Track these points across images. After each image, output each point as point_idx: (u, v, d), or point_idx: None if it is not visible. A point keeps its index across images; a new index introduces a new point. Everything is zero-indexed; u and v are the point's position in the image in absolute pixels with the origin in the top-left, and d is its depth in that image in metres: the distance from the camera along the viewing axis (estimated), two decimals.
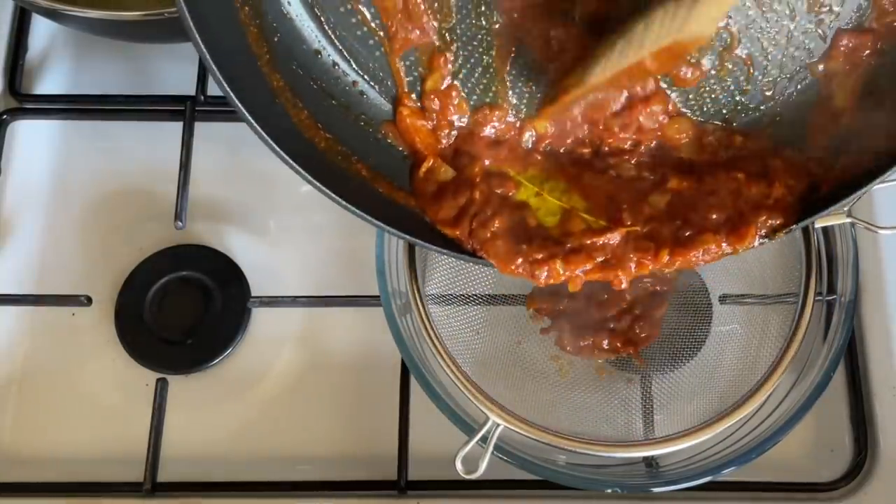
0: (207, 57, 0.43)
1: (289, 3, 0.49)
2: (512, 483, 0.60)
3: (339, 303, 0.67)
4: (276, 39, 0.49)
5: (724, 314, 0.62)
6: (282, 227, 0.70)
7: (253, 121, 0.44)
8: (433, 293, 0.61)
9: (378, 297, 0.58)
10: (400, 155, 0.53)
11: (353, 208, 0.48)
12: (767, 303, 0.62)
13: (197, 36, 0.42)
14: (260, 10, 0.48)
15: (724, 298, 0.62)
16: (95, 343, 0.66)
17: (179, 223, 0.68)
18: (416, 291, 0.58)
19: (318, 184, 0.47)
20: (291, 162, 0.46)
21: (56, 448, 0.64)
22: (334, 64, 0.51)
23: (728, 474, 0.55)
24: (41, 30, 0.76)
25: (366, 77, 0.51)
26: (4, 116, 0.72)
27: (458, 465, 0.52)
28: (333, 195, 0.47)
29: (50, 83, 0.75)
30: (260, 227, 0.70)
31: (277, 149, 0.45)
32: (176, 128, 0.70)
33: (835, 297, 0.59)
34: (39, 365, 0.66)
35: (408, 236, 0.50)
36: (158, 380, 0.65)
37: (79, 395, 0.65)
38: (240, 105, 0.44)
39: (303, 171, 0.46)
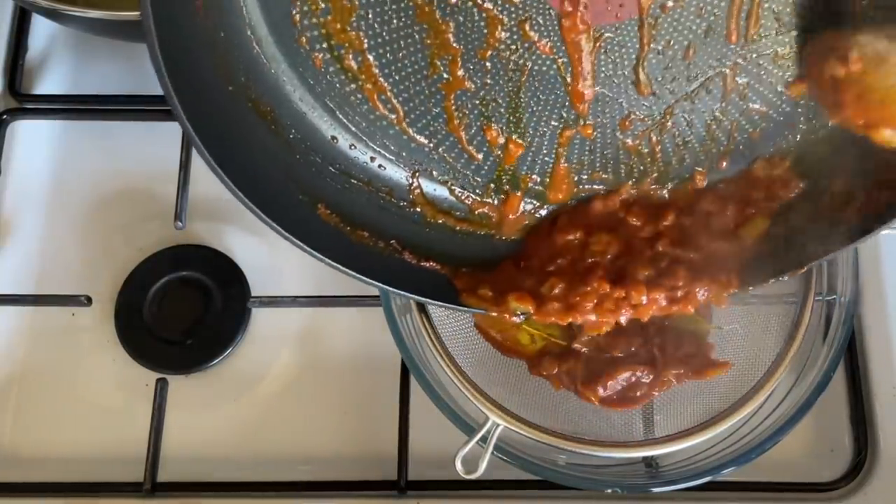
0: (243, 196, 0.45)
1: (301, 100, 0.49)
2: (512, 483, 0.60)
3: (339, 303, 0.67)
4: (290, 136, 0.50)
5: (724, 314, 0.62)
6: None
7: (290, 234, 0.47)
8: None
9: (378, 297, 0.58)
10: (426, 221, 0.54)
11: (385, 286, 0.50)
12: (767, 303, 0.61)
13: (227, 179, 0.44)
14: (276, 115, 0.49)
15: None
16: (95, 343, 0.66)
17: (179, 223, 0.68)
18: None
19: (351, 272, 0.49)
20: (327, 260, 0.48)
21: (56, 448, 0.64)
22: (351, 146, 0.52)
23: (728, 474, 0.55)
24: (41, 30, 0.76)
25: (382, 152, 0.52)
26: (4, 116, 0.72)
27: (458, 465, 0.53)
28: (365, 278, 0.49)
29: (50, 83, 0.75)
30: (260, 227, 0.68)
31: (310, 249, 0.47)
32: (176, 128, 0.70)
33: (835, 297, 0.59)
34: (39, 365, 0.66)
35: (445, 304, 0.53)
36: (158, 380, 0.65)
37: (79, 394, 0.65)
38: (276, 226, 0.46)
39: (341, 267, 0.49)
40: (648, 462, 0.58)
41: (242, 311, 0.66)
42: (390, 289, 0.51)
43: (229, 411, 0.65)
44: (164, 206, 0.69)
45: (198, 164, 0.70)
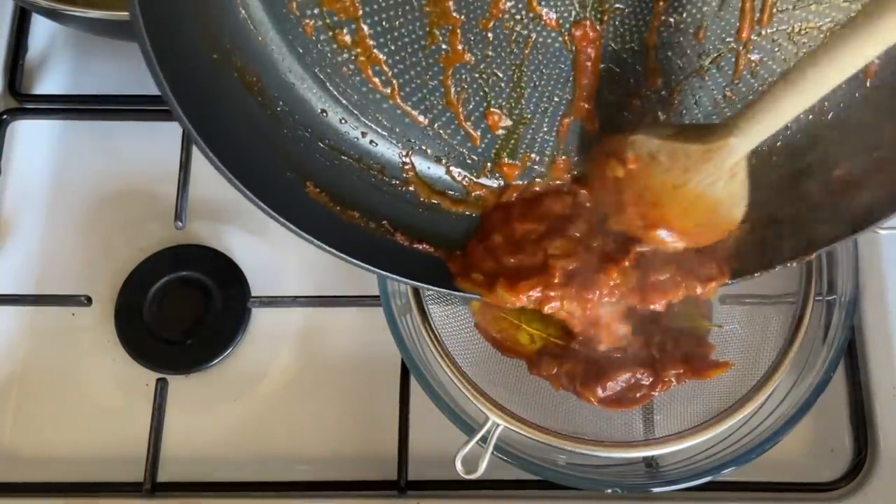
0: (231, 176, 0.43)
1: (290, 71, 0.48)
2: (512, 483, 0.60)
3: (339, 303, 0.67)
4: (278, 109, 0.48)
5: (724, 314, 0.62)
6: (282, 227, 0.69)
7: (276, 213, 0.44)
8: (433, 293, 0.61)
9: (378, 297, 0.58)
10: (419, 201, 0.53)
11: (375, 269, 0.48)
12: (767, 303, 0.61)
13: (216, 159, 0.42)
14: (263, 86, 0.47)
15: (724, 298, 0.62)
16: (95, 343, 0.66)
17: (179, 223, 0.68)
18: (416, 291, 0.58)
19: (340, 254, 0.47)
20: (315, 241, 0.46)
21: (56, 448, 0.64)
22: (342, 120, 0.50)
23: (728, 474, 0.55)
24: (41, 30, 0.76)
25: (375, 127, 0.51)
26: (4, 116, 0.72)
27: (458, 465, 0.53)
28: (354, 260, 0.47)
29: (50, 83, 0.75)
30: (260, 227, 0.70)
31: (297, 230, 0.45)
32: (176, 128, 0.70)
33: (835, 297, 0.59)
34: (39, 365, 0.66)
35: (438, 288, 0.51)
36: (158, 380, 0.65)
37: (79, 395, 0.65)
38: (262, 204, 0.44)
39: (331, 249, 0.46)
40: (648, 462, 0.58)
41: (242, 311, 0.66)
42: (381, 272, 0.49)
43: (229, 411, 0.65)
44: (164, 206, 0.69)
45: (198, 164, 0.70)
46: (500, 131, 0.51)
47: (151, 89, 0.71)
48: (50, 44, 0.76)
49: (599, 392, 0.57)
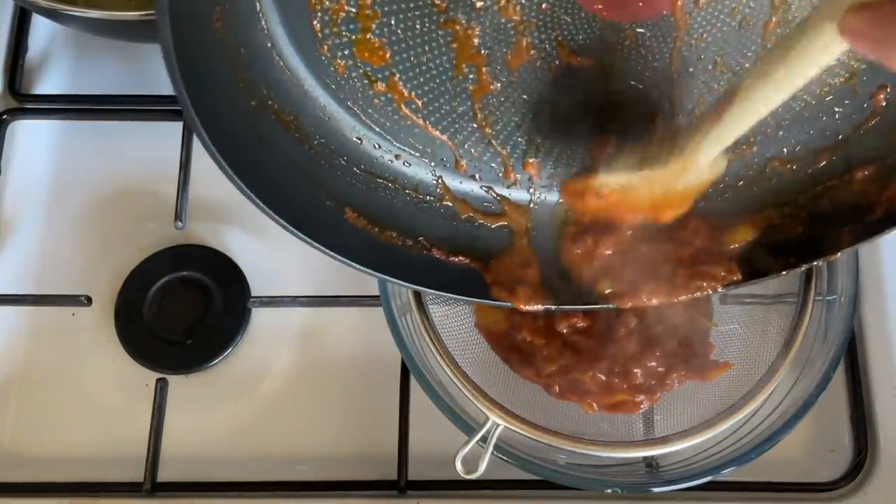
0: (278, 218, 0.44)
1: (324, 106, 0.49)
2: (512, 483, 0.60)
3: (339, 303, 0.67)
4: (315, 142, 0.49)
5: (724, 314, 0.62)
6: (282, 228, 0.70)
7: (321, 245, 0.46)
8: (433, 293, 0.61)
9: (378, 297, 0.58)
10: (455, 216, 0.53)
11: (416, 286, 0.50)
12: (767, 303, 0.61)
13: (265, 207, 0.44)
14: (300, 123, 0.48)
15: (724, 298, 0.62)
16: (95, 343, 0.66)
17: (179, 223, 0.68)
18: (416, 292, 0.58)
19: (382, 275, 0.49)
20: (358, 266, 0.47)
21: (56, 448, 0.64)
22: (376, 146, 0.51)
23: (728, 474, 0.55)
24: (41, 30, 0.76)
25: (408, 150, 0.52)
26: (4, 116, 0.72)
27: (458, 465, 0.53)
28: (397, 280, 0.49)
29: (50, 83, 0.75)
30: (260, 227, 0.70)
31: (340, 257, 0.47)
32: (176, 128, 0.71)
33: (835, 297, 0.59)
34: (39, 365, 0.66)
35: (476, 300, 0.52)
36: (158, 380, 0.65)
37: (79, 395, 0.65)
38: (308, 238, 0.45)
39: (370, 271, 0.48)
40: (648, 462, 0.58)
41: (242, 311, 0.66)
42: (418, 287, 0.51)
43: (229, 411, 0.65)
44: (164, 206, 0.69)
45: (198, 164, 0.70)
46: (531, 153, 0.53)
47: (151, 89, 0.73)
48: (50, 44, 0.76)
49: (596, 407, 0.58)
